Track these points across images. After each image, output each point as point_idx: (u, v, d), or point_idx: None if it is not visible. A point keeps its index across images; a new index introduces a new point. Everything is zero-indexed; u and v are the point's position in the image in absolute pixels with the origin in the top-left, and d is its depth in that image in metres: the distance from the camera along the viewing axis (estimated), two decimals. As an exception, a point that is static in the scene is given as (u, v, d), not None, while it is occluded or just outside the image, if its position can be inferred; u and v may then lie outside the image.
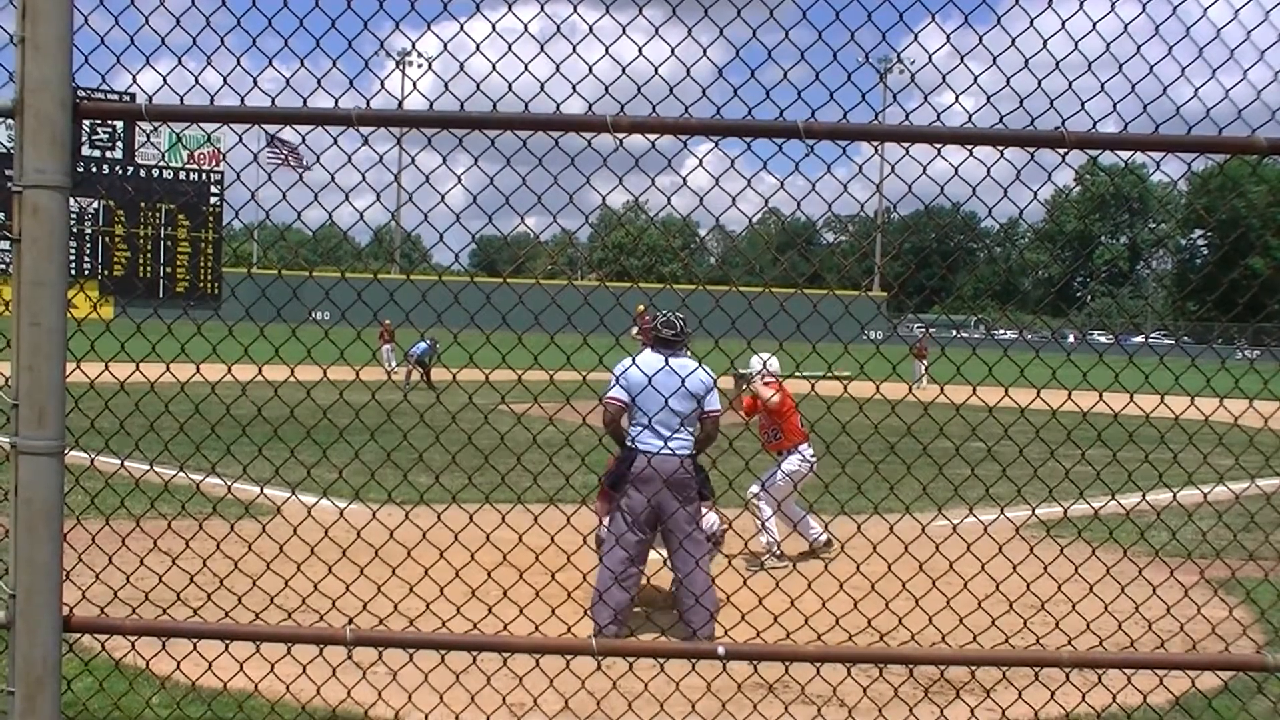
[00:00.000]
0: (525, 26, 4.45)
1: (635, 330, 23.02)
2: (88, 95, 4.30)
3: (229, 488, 7.63)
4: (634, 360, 8.00)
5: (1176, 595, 6.22)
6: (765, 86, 4.58)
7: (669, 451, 7.89)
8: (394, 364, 34.98)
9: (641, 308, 23.43)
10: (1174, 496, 5.75)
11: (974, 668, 5.99)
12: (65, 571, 4.05)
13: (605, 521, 8.21)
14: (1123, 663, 5.03)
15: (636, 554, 8.01)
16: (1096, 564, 6.22)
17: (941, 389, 5.07)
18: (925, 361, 37.91)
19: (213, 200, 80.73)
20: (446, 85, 4.57)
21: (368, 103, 4.42)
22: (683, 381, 7.63)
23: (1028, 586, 5.85)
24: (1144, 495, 5.65)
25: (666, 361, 7.61)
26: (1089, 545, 6.51)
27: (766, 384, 10.84)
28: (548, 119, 4.19)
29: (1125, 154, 4.75)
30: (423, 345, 30.64)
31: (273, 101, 4.29)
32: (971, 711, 5.78)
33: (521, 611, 5.49)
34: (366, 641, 4.60)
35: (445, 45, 4.57)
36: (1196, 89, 4.81)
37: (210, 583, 6.16)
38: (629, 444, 8.04)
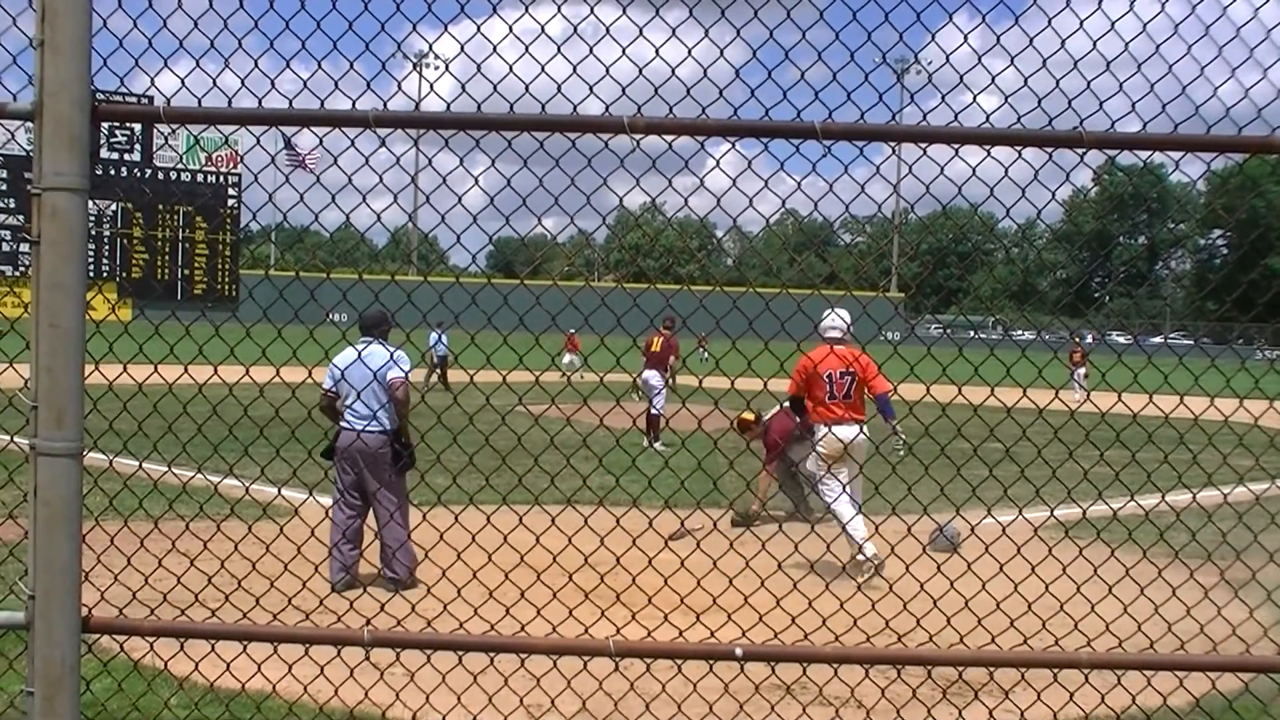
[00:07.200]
0: (542, 28, 4.45)
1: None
2: (106, 98, 4.30)
3: (246, 489, 7.63)
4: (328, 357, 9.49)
5: (1196, 596, 6.19)
6: (782, 87, 4.56)
7: (359, 429, 9.49)
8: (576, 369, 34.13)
9: (671, 324, 22.32)
10: (1194, 497, 5.72)
11: (992, 669, 5.96)
12: (84, 572, 4.06)
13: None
14: (1142, 664, 5.00)
15: (357, 515, 9.69)
16: (1115, 565, 6.19)
17: (959, 389, 5.06)
18: (1084, 368, 34.54)
19: (230, 202, 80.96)
20: (464, 87, 4.57)
21: (385, 104, 4.42)
22: (374, 374, 9.26)
23: (1046, 588, 5.83)
24: (1163, 496, 5.63)
25: (359, 354, 9.30)
26: (1108, 546, 6.49)
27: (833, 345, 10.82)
28: (565, 120, 4.19)
29: (1144, 154, 4.73)
30: (433, 336, 30.74)
31: (290, 103, 4.30)
32: (990, 713, 5.77)
33: (539, 612, 5.49)
34: (384, 642, 4.60)
35: (462, 47, 4.57)
36: (1216, 88, 4.79)
37: (228, 584, 6.18)
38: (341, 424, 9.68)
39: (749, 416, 13.40)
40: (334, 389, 9.75)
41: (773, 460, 13.23)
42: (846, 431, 10.48)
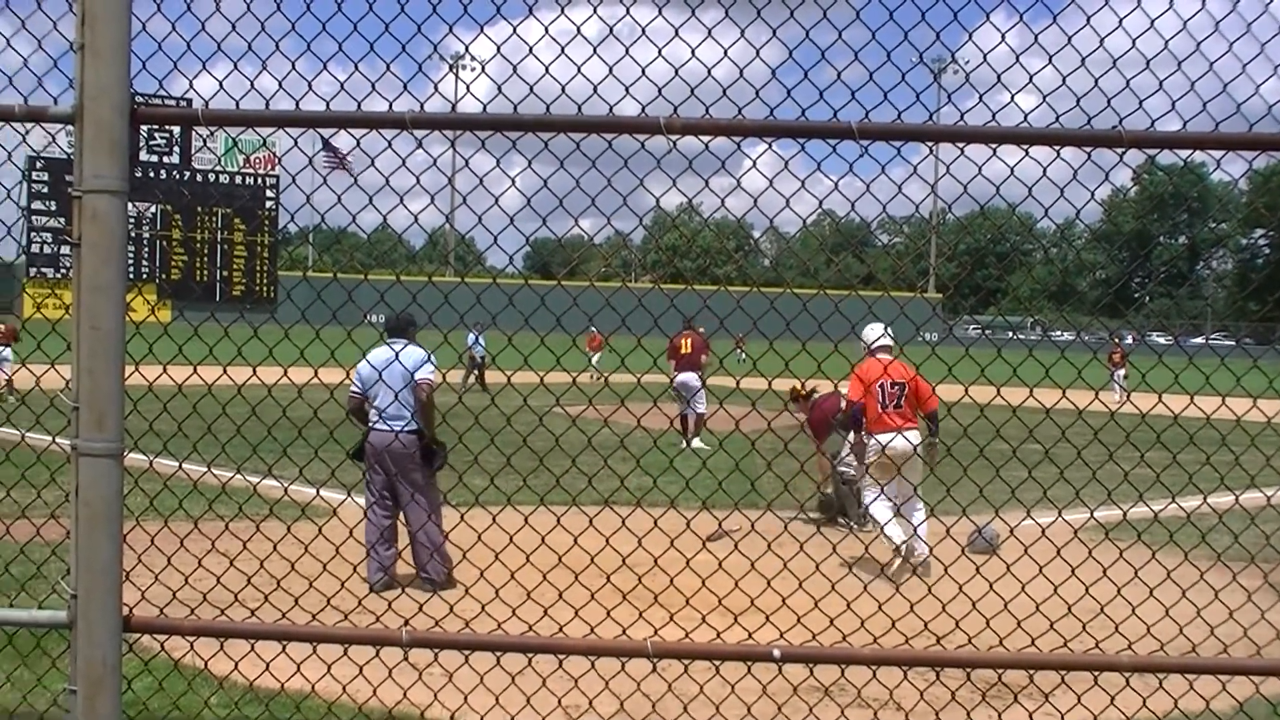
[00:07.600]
0: (578, 29, 4.45)
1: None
2: (145, 101, 4.33)
3: (285, 489, 7.68)
4: (364, 355, 9.39)
5: (1239, 599, 6.14)
6: (819, 87, 4.55)
7: (395, 429, 9.42)
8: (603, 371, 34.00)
9: (695, 331, 22.03)
10: (1236, 499, 5.66)
11: (1032, 671, 5.93)
12: (125, 572, 4.09)
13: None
14: (1184, 667, 4.95)
15: (393, 515, 9.66)
16: (1156, 567, 6.14)
17: (998, 390, 5.03)
18: (1124, 369, 34.30)
19: (268, 204, 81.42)
20: (500, 88, 4.57)
21: (422, 106, 4.43)
22: (412, 375, 9.32)
23: (1086, 590, 5.78)
24: (1205, 498, 5.58)
25: (397, 355, 8.92)
26: (1149, 548, 6.43)
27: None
28: (601, 121, 4.18)
29: (1184, 152, 4.68)
30: (470, 336, 30.85)
31: (327, 105, 4.31)
32: (1030, 715, 5.73)
33: (576, 613, 5.48)
34: (422, 643, 4.61)
35: (498, 48, 4.58)
36: (1258, 85, 4.74)
37: (267, 584, 6.21)
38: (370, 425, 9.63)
39: (801, 390, 13.58)
40: (362, 391, 9.79)
41: (821, 443, 13.41)
42: (900, 442, 10.36)
